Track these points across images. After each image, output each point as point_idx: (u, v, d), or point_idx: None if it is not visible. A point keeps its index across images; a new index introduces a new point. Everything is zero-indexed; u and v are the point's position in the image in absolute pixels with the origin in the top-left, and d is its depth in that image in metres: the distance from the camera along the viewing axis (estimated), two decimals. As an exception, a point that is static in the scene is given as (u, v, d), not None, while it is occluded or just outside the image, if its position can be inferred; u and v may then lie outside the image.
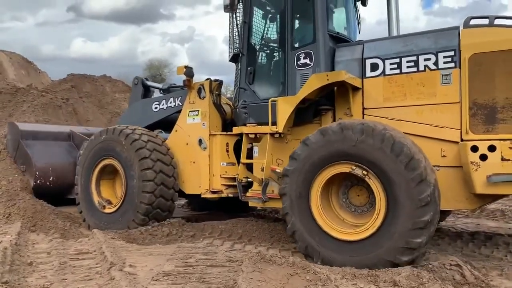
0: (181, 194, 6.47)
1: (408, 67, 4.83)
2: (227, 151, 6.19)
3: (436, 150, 4.64)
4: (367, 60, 5.06)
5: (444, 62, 4.65)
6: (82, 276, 3.86)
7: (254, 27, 5.82)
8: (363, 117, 5.06)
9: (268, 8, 5.96)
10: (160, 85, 7.56)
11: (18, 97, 10.63)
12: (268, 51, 5.94)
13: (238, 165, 5.80)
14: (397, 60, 4.88)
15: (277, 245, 5.26)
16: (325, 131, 4.45)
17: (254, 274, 3.59)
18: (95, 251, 4.74)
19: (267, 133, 5.31)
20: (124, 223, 5.89)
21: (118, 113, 12.13)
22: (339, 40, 5.53)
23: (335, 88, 5.21)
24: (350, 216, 4.59)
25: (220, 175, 6.08)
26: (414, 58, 4.79)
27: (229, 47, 6.12)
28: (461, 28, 4.65)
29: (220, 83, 6.33)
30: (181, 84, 6.54)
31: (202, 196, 6.16)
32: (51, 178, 7.51)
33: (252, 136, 5.63)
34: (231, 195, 6.06)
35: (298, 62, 5.36)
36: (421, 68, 4.76)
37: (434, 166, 4.55)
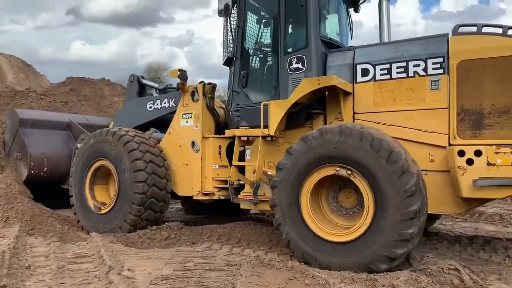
0: (174, 196, 6.50)
1: (398, 72, 4.92)
2: (220, 153, 6.24)
3: (425, 155, 4.72)
4: (358, 66, 5.15)
5: (433, 68, 4.74)
6: (80, 280, 3.86)
7: (248, 32, 5.91)
8: (353, 121, 5.14)
9: (261, 13, 6.05)
10: (156, 85, 7.60)
11: (16, 100, 10.59)
12: (261, 55, 6.02)
13: (231, 167, 5.85)
14: (387, 65, 4.97)
15: (276, 249, 5.26)
16: (306, 138, 4.56)
17: (253, 278, 3.61)
18: (93, 254, 4.73)
19: (259, 136, 5.37)
20: (120, 219, 5.90)
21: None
22: (331, 45, 5.62)
23: (327, 92, 5.29)
24: (342, 219, 4.65)
25: (212, 178, 6.12)
26: (404, 64, 4.88)
27: (223, 51, 6.19)
28: (450, 35, 4.76)
29: (213, 86, 6.39)
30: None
31: (194, 198, 6.21)
32: (45, 169, 7.50)
33: (245, 139, 5.68)
34: (223, 197, 6.10)
35: (291, 67, 5.44)
36: (411, 74, 4.84)
37: (422, 170, 4.63)
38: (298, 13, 5.48)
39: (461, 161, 4.32)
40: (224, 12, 5.87)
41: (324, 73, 5.34)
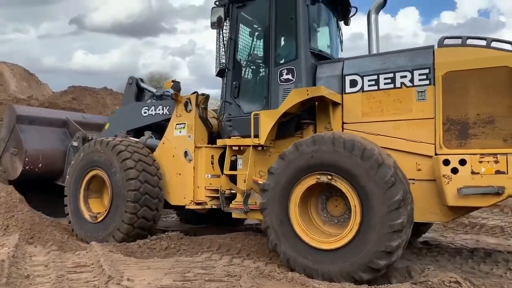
0: (167, 205, 6.54)
1: (385, 83, 5.02)
2: (212, 163, 6.31)
3: (412, 164, 4.80)
4: (346, 77, 5.25)
5: (420, 80, 4.84)
6: (79, 290, 3.83)
7: (240, 44, 6.03)
8: (342, 131, 5.22)
9: (253, 25, 6.18)
10: (154, 90, 7.65)
11: (19, 109, 10.62)
12: (253, 67, 6.13)
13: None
14: (375, 77, 5.07)
15: (276, 260, 5.17)
16: (283, 155, 4.71)
17: (253, 289, 3.58)
18: (92, 264, 4.70)
19: (249, 146, 5.45)
20: (118, 221, 5.94)
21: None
22: (321, 57, 5.73)
23: (316, 103, 5.38)
24: (335, 228, 4.70)
25: (205, 187, 6.18)
26: (391, 75, 4.99)
27: (216, 62, 6.29)
28: (435, 47, 4.87)
29: (206, 97, 6.48)
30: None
31: (187, 207, 6.26)
32: (40, 165, 7.55)
33: (236, 148, 5.76)
34: (215, 207, 6.15)
35: (281, 78, 5.54)
36: (398, 85, 4.95)
37: (410, 179, 4.71)
38: (289, 26, 5.61)
39: (446, 170, 4.40)
40: (217, 24, 6.00)
41: (314, 84, 5.45)
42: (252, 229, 7.34)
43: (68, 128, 8.15)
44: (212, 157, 6.32)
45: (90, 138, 7.62)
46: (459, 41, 4.79)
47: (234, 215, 5.78)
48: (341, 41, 6.45)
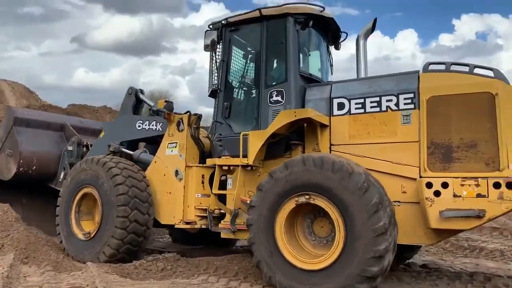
0: (157, 224, 6.55)
1: (371, 107, 5.13)
2: (203, 182, 6.35)
3: (397, 186, 4.87)
4: (334, 100, 5.37)
5: (405, 103, 4.96)
6: (73, 312, 3.75)
7: (232, 66, 6.17)
8: (330, 152, 5.30)
9: (245, 48, 6.33)
10: (152, 103, 7.65)
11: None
12: (244, 88, 6.26)
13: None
14: (362, 100, 5.19)
15: None
16: (261, 185, 4.86)
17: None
18: (88, 285, 4.65)
19: (238, 165, 5.52)
20: (111, 229, 5.94)
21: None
22: (310, 80, 5.86)
23: (305, 124, 5.48)
24: (325, 249, 4.69)
25: (195, 206, 6.20)
26: (377, 99, 5.11)
27: (209, 83, 6.41)
28: (421, 72, 5.00)
29: (199, 116, 6.58)
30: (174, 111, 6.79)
31: (176, 226, 6.27)
32: (34, 167, 7.59)
33: (226, 168, 5.82)
34: (204, 226, 6.16)
35: (271, 99, 5.66)
36: (384, 108, 5.06)
37: (395, 201, 4.79)
38: (279, 49, 5.77)
39: (429, 193, 4.47)
40: (211, 47, 6.15)
41: (303, 106, 5.56)
42: (249, 251, 7.23)
43: (65, 132, 8.21)
44: (203, 176, 6.36)
45: (85, 143, 7.75)
46: (443, 66, 4.93)
47: (223, 235, 5.80)
48: (331, 65, 6.59)
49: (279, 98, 5.61)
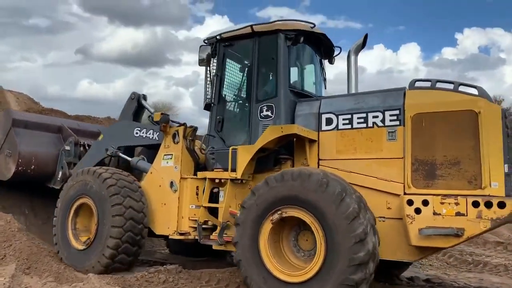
0: (152, 235, 6.67)
1: (358, 122, 5.20)
2: (197, 194, 6.45)
3: (382, 202, 4.92)
4: (323, 115, 5.45)
5: (390, 120, 5.01)
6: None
7: (225, 80, 6.29)
8: (318, 167, 5.37)
9: (238, 63, 6.45)
10: (152, 110, 7.75)
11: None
12: (236, 103, 6.37)
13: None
14: (349, 116, 5.26)
15: None
16: (242, 204, 5.02)
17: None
18: None
19: (227, 179, 5.62)
20: (106, 238, 6.06)
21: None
22: (301, 95, 5.95)
23: (294, 139, 5.56)
24: (310, 262, 4.73)
25: (189, 217, 6.30)
26: (364, 115, 5.17)
27: (204, 97, 6.55)
28: (407, 88, 5.05)
29: (194, 129, 6.70)
30: (176, 120, 6.94)
31: (170, 237, 6.38)
32: (32, 166, 7.76)
33: (218, 181, 5.93)
34: (197, 238, 6.26)
35: (261, 114, 5.77)
36: (370, 124, 5.12)
37: (380, 217, 4.84)
38: (270, 65, 5.88)
39: (410, 210, 4.51)
40: (206, 62, 6.30)
41: (293, 121, 5.65)
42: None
43: (62, 134, 8.37)
44: (197, 188, 6.46)
45: (82, 143, 7.94)
46: (429, 84, 4.98)
47: (214, 247, 5.89)
48: (325, 79, 6.67)
49: (269, 113, 5.71)
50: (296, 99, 5.84)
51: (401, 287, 5.66)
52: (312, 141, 5.45)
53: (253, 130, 5.79)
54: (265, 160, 5.72)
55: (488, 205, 4.20)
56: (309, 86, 6.35)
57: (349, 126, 5.25)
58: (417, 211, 4.48)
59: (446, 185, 4.56)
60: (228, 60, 6.31)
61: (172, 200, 6.42)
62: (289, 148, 5.69)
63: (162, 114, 6.63)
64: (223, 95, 6.28)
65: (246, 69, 6.28)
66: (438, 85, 4.92)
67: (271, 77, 5.91)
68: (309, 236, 4.83)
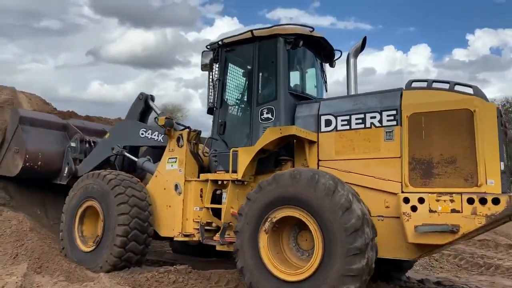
0: (157, 237, 6.80)
1: (356, 123, 5.28)
2: (201, 196, 6.57)
3: (381, 201, 4.98)
4: (322, 117, 5.54)
5: (388, 120, 5.08)
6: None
7: (227, 84, 6.43)
8: (318, 168, 5.45)
9: (239, 67, 6.60)
10: (159, 111, 7.84)
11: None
12: (238, 106, 6.51)
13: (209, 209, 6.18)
14: (347, 117, 5.34)
15: None
16: (239, 211, 5.16)
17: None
18: None
19: (229, 180, 5.74)
20: (113, 237, 6.19)
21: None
22: (301, 97, 6.06)
23: (295, 140, 5.67)
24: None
25: (193, 219, 6.42)
26: (362, 116, 5.25)
27: (207, 101, 6.69)
28: (404, 89, 5.12)
29: (198, 132, 6.84)
30: (182, 123, 7.13)
31: (175, 239, 6.50)
32: (39, 163, 7.97)
33: (220, 182, 6.05)
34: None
35: (262, 117, 5.89)
36: (368, 125, 5.20)
37: (378, 216, 4.90)
38: (270, 68, 6.01)
39: (406, 208, 4.56)
40: (209, 67, 6.45)
41: (293, 123, 5.75)
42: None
43: (68, 131, 8.58)
44: (201, 190, 6.58)
45: (87, 140, 8.16)
46: (425, 84, 5.04)
47: (217, 248, 5.99)
48: (325, 82, 6.77)
49: (269, 116, 5.83)
50: (296, 101, 5.94)
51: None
52: (311, 142, 5.54)
53: (254, 132, 5.91)
54: (266, 161, 5.82)
55: (483, 201, 4.24)
56: (309, 89, 6.46)
57: (348, 127, 5.33)
58: (413, 208, 4.53)
59: (443, 184, 4.60)
60: (230, 64, 6.46)
61: (177, 202, 6.55)
62: (289, 149, 5.80)
63: (166, 118, 6.78)
64: (225, 99, 6.41)
65: (247, 73, 6.42)
66: (434, 85, 4.99)
67: (271, 81, 6.02)
68: (305, 234, 4.92)
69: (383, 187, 4.98)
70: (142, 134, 7.38)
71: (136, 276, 5.70)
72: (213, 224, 6.18)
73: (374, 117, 5.17)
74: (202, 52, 6.49)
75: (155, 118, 7.73)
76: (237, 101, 6.51)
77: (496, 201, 4.19)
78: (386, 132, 5.07)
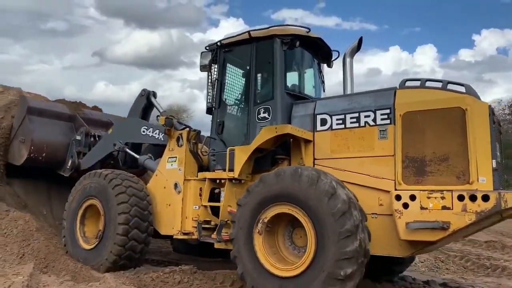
0: (157, 235, 6.90)
1: (351, 122, 5.35)
2: (200, 195, 6.66)
3: (375, 199, 5.04)
4: (317, 116, 5.62)
5: (381, 119, 5.15)
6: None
7: (225, 85, 6.52)
8: (313, 166, 5.52)
9: (237, 68, 6.69)
10: (161, 109, 7.97)
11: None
12: (235, 106, 6.60)
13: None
14: (342, 116, 5.41)
15: None
16: (232, 221, 5.28)
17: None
18: None
19: (226, 179, 5.83)
20: (113, 236, 6.29)
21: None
22: (298, 97, 6.13)
23: (291, 139, 5.74)
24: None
25: (192, 218, 6.50)
26: (356, 114, 5.31)
27: (206, 101, 6.79)
28: (397, 88, 5.18)
29: (198, 132, 6.94)
30: (184, 123, 7.21)
31: (175, 237, 6.60)
32: (44, 154, 8.08)
33: (218, 181, 6.14)
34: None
35: (259, 116, 5.97)
36: (362, 124, 5.26)
37: (372, 213, 4.96)
38: (267, 68, 6.10)
39: (398, 205, 4.62)
40: (208, 67, 6.55)
41: (289, 123, 5.82)
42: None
43: (75, 123, 8.69)
44: (201, 189, 6.67)
45: (93, 133, 8.27)
46: (418, 83, 5.10)
47: (216, 245, 6.08)
48: (323, 82, 6.84)
49: (266, 115, 5.91)
50: (293, 101, 6.02)
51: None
52: (307, 141, 5.61)
53: (251, 132, 5.99)
54: (263, 160, 5.91)
55: (473, 198, 4.28)
56: (307, 89, 6.53)
57: (343, 126, 5.40)
58: (405, 205, 4.59)
59: (435, 181, 4.65)
60: (228, 65, 6.55)
61: (176, 201, 6.65)
62: (286, 148, 5.88)
63: (166, 118, 6.89)
64: (224, 99, 6.51)
65: (245, 73, 6.51)
66: (428, 84, 5.04)
67: (268, 81, 6.11)
68: (299, 231, 5.01)
69: (377, 185, 5.03)
70: (144, 131, 7.51)
71: (141, 276, 5.75)
72: (212, 223, 6.26)
73: (368, 116, 5.23)
74: (201, 53, 6.60)
75: (157, 116, 7.88)
76: (235, 101, 6.60)
77: (485, 198, 4.23)
78: (380, 130, 5.13)
